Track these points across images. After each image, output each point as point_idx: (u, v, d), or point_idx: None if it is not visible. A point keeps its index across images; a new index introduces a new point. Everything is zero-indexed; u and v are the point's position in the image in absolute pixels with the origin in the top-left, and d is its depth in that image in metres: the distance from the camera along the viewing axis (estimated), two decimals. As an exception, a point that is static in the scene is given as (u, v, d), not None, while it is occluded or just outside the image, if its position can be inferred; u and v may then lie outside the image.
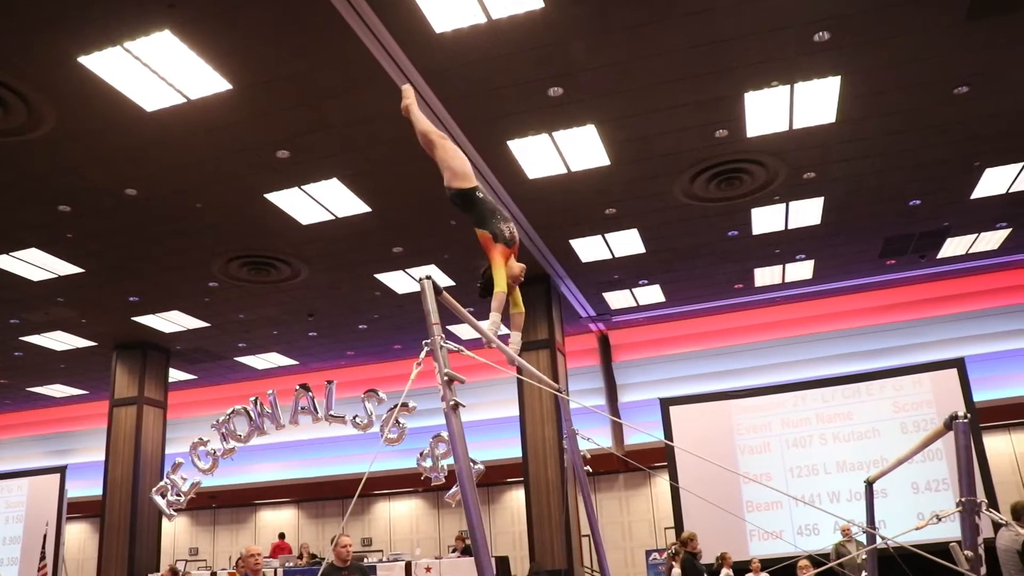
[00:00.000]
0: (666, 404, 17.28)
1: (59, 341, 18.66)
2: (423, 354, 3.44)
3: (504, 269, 4.75)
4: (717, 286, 17.57)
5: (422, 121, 5.19)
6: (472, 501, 3.12)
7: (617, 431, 20.05)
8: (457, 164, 5.00)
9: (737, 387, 18.19)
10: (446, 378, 3.24)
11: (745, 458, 16.45)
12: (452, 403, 3.21)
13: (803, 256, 16.17)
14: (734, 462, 16.37)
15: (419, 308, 12.39)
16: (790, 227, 14.58)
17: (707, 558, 13.64)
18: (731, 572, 13.90)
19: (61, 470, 21.13)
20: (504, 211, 4.98)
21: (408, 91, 5.31)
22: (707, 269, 16.47)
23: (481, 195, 4.94)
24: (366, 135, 10.87)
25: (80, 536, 25.23)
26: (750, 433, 16.65)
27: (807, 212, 14.01)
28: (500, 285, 4.68)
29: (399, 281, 15.79)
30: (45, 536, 19.17)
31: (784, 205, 13.70)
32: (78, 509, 23.45)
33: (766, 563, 13.99)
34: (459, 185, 4.94)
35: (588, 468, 5.98)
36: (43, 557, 18.70)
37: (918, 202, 13.96)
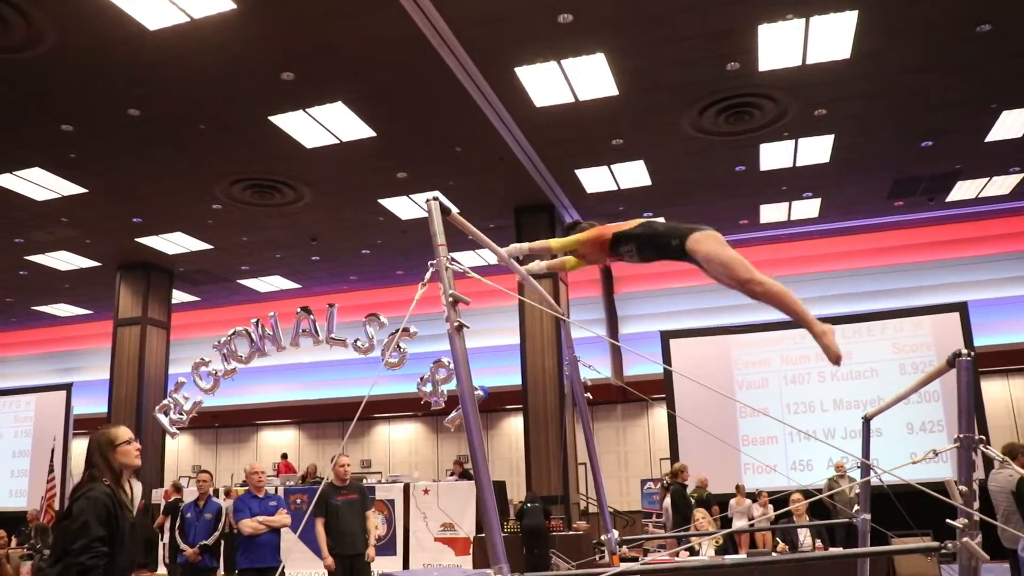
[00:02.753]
0: (666, 337, 17.35)
1: (63, 261, 18.70)
2: (428, 275, 3.42)
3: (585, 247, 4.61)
4: (722, 221, 17.47)
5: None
6: (474, 423, 3.14)
7: (617, 361, 20.14)
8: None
9: (737, 323, 18.22)
10: (451, 299, 3.23)
11: (743, 393, 16.57)
12: (456, 324, 3.20)
13: (810, 194, 16.08)
14: (732, 396, 16.50)
15: (422, 234, 12.41)
16: (798, 164, 14.47)
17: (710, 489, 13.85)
18: (746, 501, 14.04)
19: (67, 387, 21.37)
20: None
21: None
22: (713, 204, 16.38)
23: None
24: (372, 58, 10.73)
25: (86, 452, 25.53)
26: (749, 368, 16.74)
27: (816, 149, 13.90)
28: (562, 243, 4.57)
29: (403, 207, 15.73)
30: (53, 451, 19.43)
31: (793, 142, 13.58)
32: (84, 426, 23.69)
33: (754, 497, 14.21)
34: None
35: (588, 396, 6.01)
36: (51, 471, 18.97)
37: (930, 143, 13.82)
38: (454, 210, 3.56)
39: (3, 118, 12.13)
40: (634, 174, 14.65)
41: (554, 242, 4.57)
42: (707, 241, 4.32)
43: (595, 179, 14.86)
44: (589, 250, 4.74)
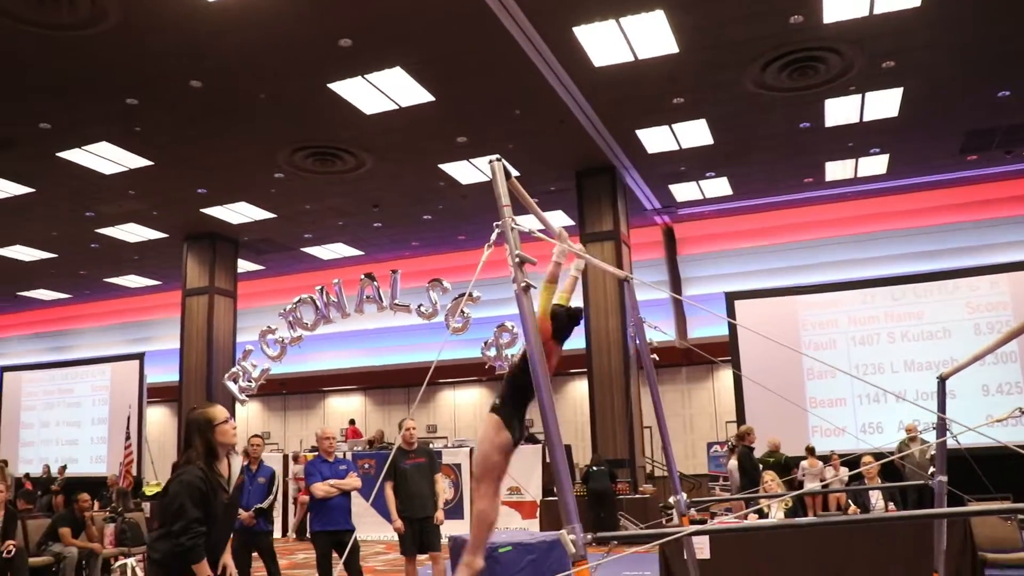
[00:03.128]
0: (731, 298, 17.09)
1: (132, 233, 19.09)
2: (494, 236, 3.39)
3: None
4: (786, 180, 17.16)
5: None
6: (544, 383, 3.11)
7: (680, 323, 20.01)
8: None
9: (804, 283, 17.90)
10: (517, 260, 3.19)
11: (811, 354, 16.29)
12: (523, 285, 3.17)
13: (878, 150, 15.66)
14: (799, 358, 16.22)
15: (483, 199, 12.43)
16: (865, 119, 14.08)
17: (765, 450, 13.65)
18: (818, 463, 13.82)
19: (140, 356, 21.92)
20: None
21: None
22: (776, 162, 16.07)
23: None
24: (429, 22, 10.67)
25: (160, 419, 26.25)
26: (816, 330, 16.43)
27: (884, 103, 13.50)
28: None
29: (463, 171, 15.71)
30: (129, 418, 19.98)
31: (860, 96, 13.20)
32: (157, 394, 24.35)
33: (826, 459, 13.98)
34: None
35: (655, 357, 5.94)
36: (128, 437, 19.52)
37: (1007, 93, 13.32)
38: (514, 173, 3.52)
39: (70, 94, 12.35)
40: (696, 133, 14.41)
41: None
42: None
43: (656, 139, 14.65)
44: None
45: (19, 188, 16.06)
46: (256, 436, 8.47)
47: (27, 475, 21.28)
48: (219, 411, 4.50)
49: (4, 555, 9.09)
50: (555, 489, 14.73)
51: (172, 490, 4.28)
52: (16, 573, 9.09)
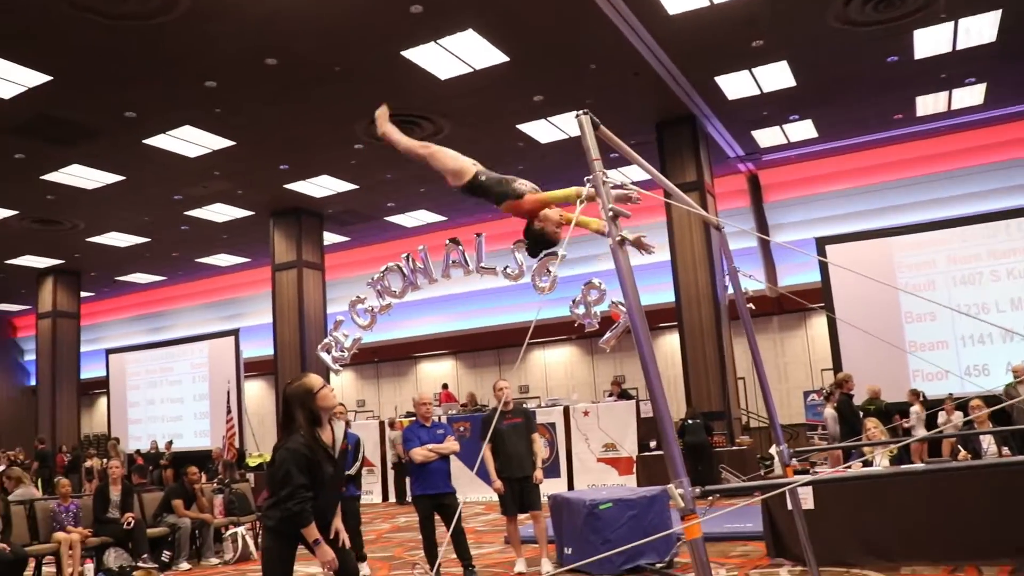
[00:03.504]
0: (822, 243, 16.60)
1: (219, 213, 19.53)
2: (585, 191, 3.32)
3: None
4: (875, 118, 16.57)
5: (402, 141, 4.75)
6: (644, 336, 3.04)
7: (770, 272, 19.63)
8: (450, 164, 4.56)
9: (898, 224, 17.32)
10: (611, 214, 3.12)
11: (909, 297, 15.77)
12: (618, 239, 3.09)
13: (973, 80, 14.97)
14: (895, 301, 15.75)
15: (563, 157, 12.24)
16: (959, 48, 13.44)
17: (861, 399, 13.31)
18: (920, 410, 13.43)
19: (235, 333, 22.47)
20: (510, 175, 4.58)
21: (380, 114, 4.85)
22: (864, 100, 15.51)
23: (484, 177, 4.54)
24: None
25: (258, 392, 26.92)
26: (913, 271, 15.86)
27: (980, 29, 12.83)
28: (547, 196, 4.44)
29: (541, 130, 15.59)
30: (228, 393, 20.53)
31: (952, 23, 12.61)
32: (253, 368, 24.96)
33: (930, 404, 13.58)
34: (462, 182, 4.57)
35: (751, 306, 5.81)
36: (229, 411, 20.07)
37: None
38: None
39: (150, 82, 12.62)
40: (777, 76, 14.01)
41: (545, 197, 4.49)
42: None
43: (736, 85, 14.30)
44: (530, 204, 4.57)
45: (110, 177, 16.55)
46: (339, 404, 8.58)
47: (137, 451, 22.08)
48: (316, 379, 4.59)
49: (124, 526, 9.45)
50: (655, 444, 14.69)
51: (278, 458, 4.39)
52: (136, 543, 9.46)
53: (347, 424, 14.61)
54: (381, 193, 18.79)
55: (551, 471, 14.34)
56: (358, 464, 8.06)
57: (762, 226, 19.76)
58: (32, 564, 9.29)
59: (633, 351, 22.30)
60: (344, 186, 18.11)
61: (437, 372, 24.75)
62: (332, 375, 13.67)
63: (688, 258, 15.91)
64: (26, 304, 28.29)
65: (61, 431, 23.91)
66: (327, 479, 4.44)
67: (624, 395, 16.43)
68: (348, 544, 4.68)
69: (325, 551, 4.36)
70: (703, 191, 15.73)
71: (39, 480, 17.40)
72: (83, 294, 25.89)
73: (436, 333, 23.68)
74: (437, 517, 7.67)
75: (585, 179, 3.25)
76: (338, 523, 4.65)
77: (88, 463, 19.01)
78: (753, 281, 5.90)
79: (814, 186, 19.40)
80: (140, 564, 9.21)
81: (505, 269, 13.07)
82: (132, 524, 9.52)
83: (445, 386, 21.84)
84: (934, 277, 15.61)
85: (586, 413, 15.26)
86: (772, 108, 15.46)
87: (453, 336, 23.65)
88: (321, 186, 18.06)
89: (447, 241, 13.80)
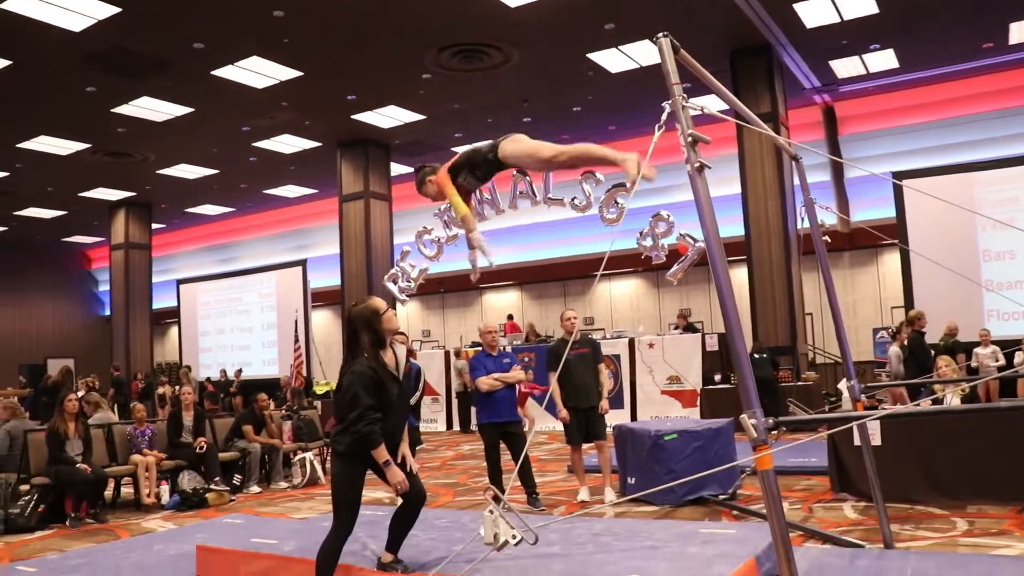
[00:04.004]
0: (899, 178, 16.12)
1: (287, 144, 19.63)
2: (664, 116, 3.24)
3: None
4: (961, 46, 15.85)
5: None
6: (721, 263, 2.99)
7: (843, 206, 19.19)
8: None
9: (980, 159, 16.70)
10: (690, 139, 3.04)
11: (988, 234, 15.27)
12: (697, 165, 3.02)
13: (1071, 2, 14.22)
14: (974, 239, 15.30)
15: (634, 87, 12.01)
16: (1058, -33, 12.77)
17: (932, 337, 12.99)
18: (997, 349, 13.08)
19: (302, 263, 22.78)
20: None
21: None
22: (950, 27, 14.84)
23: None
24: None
25: (325, 322, 27.34)
26: (993, 208, 15.26)
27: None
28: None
29: (612, 60, 15.28)
30: (296, 322, 20.90)
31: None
32: (320, 298, 25.31)
33: (1007, 343, 13.18)
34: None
35: (827, 239, 5.69)
36: (296, 340, 20.47)
37: None
38: (668, 55, 3.32)
39: (218, 12, 12.62)
40: (859, 2, 13.46)
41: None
42: (511, 144, 4.87)
43: (815, 12, 13.79)
44: (438, 190, 5.15)
45: (179, 109, 16.71)
46: (400, 334, 8.65)
47: (208, 379, 22.65)
48: (380, 301, 4.63)
49: (197, 450, 9.73)
50: (719, 378, 14.62)
51: (345, 382, 4.44)
52: (209, 467, 9.74)
53: (411, 354, 14.82)
54: (448, 123, 18.70)
55: (615, 402, 14.36)
56: (419, 394, 8.15)
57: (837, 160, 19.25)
58: (111, 485, 9.63)
59: (699, 284, 22.15)
60: (411, 116, 18.06)
61: (502, 303, 24.83)
62: (398, 305, 13.78)
63: (759, 190, 15.63)
64: (99, 236, 28.96)
65: (135, 359, 24.61)
66: (394, 400, 4.49)
67: (690, 328, 16.33)
68: (415, 468, 4.74)
69: (395, 472, 4.42)
70: (777, 123, 15.36)
71: (115, 406, 17.97)
72: (154, 226, 26.40)
73: (502, 264, 23.68)
74: (502, 445, 7.74)
75: (664, 104, 3.17)
76: (404, 448, 4.72)
77: (160, 390, 19.56)
78: (828, 213, 5.76)
79: (892, 119, 18.79)
80: (212, 486, 9.48)
81: (573, 200, 12.97)
82: (204, 448, 9.79)
83: (510, 317, 21.90)
84: (1016, 214, 15.06)
85: (651, 345, 15.23)
86: (852, 37, 14.93)
87: (519, 267, 23.64)
88: (388, 116, 18.04)
89: (515, 171, 13.75)
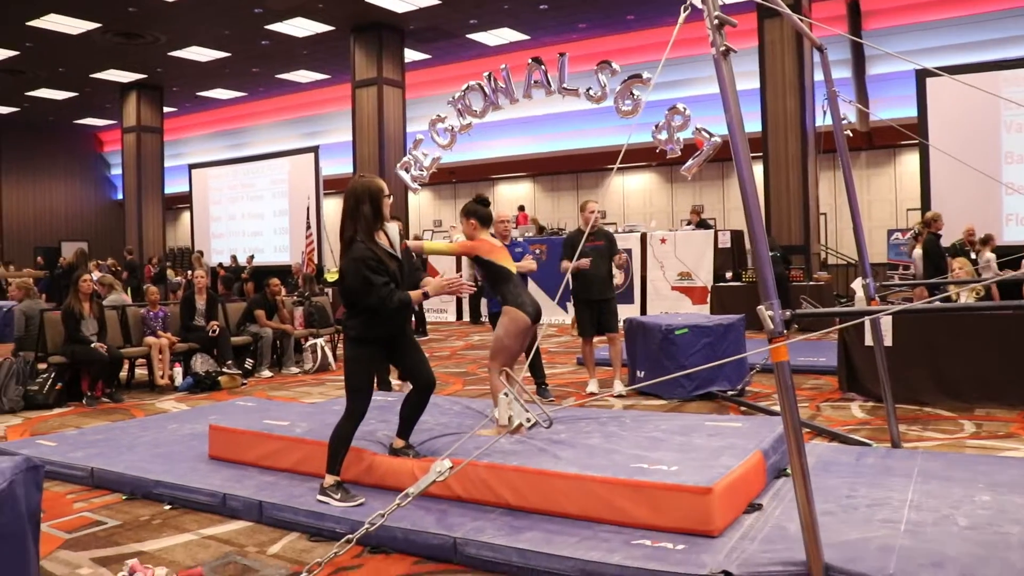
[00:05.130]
0: (922, 76, 15.70)
1: (300, 27, 19.23)
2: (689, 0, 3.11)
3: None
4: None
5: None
6: (743, 151, 2.91)
7: (864, 103, 18.82)
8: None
9: (1008, 57, 16.23)
10: (716, 22, 2.93)
11: (1011, 136, 14.97)
12: (723, 49, 2.91)
13: None
14: (996, 141, 15.00)
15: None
16: None
17: (948, 240, 12.87)
18: (993, 255, 12.92)
19: (315, 150, 22.57)
20: None
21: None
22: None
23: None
24: None
25: (337, 209, 26.94)
26: (1020, 109, 14.97)
27: None
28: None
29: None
30: (308, 209, 20.84)
31: None
32: (332, 185, 25.18)
33: (1021, 248, 13.00)
34: None
35: (848, 134, 5.56)
36: (308, 227, 20.44)
37: None
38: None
39: None
40: None
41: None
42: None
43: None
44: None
45: (190, -14, 16.34)
46: (395, 219, 8.57)
47: (220, 264, 22.72)
48: (383, 182, 4.60)
49: (210, 334, 9.81)
50: (730, 275, 14.60)
51: (349, 269, 4.39)
52: (221, 350, 9.83)
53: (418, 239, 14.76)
54: (464, 9, 18.25)
55: (624, 297, 14.37)
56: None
57: (859, 57, 18.80)
58: (125, 366, 9.75)
59: (713, 180, 21.92)
60: (426, 1, 17.62)
61: (515, 194, 24.69)
62: (410, 194, 13.70)
63: (779, 85, 15.32)
64: (111, 119, 28.73)
65: (147, 243, 24.72)
66: (396, 277, 4.45)
67: (702, 224, 16.23)
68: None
69: (438, 286, 4.64)
70: (800, 14, 14.92)
71: (128, 289, 18.09)
72: (166, 109, 26.15)
73: (515, 155, 23.44)
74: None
75: (690, -16, 3.05)
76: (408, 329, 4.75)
77: (173, 276, 19.64)
78: (850, 108, 5.62)
79: (917, 14, 18.22)
80: (225, 370, 9.59)
81: (588, 91, 12.71)
82: (217, 332, 9.87)
83: (521, 208, 21.80)
84: (1042, 115, 14.74)
85: (663, 241, 15.17)
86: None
87: (532, 159, 23.41)
88: (403, 0, 17.60)
89: (529, 60, 13.42)
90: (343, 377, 4.62)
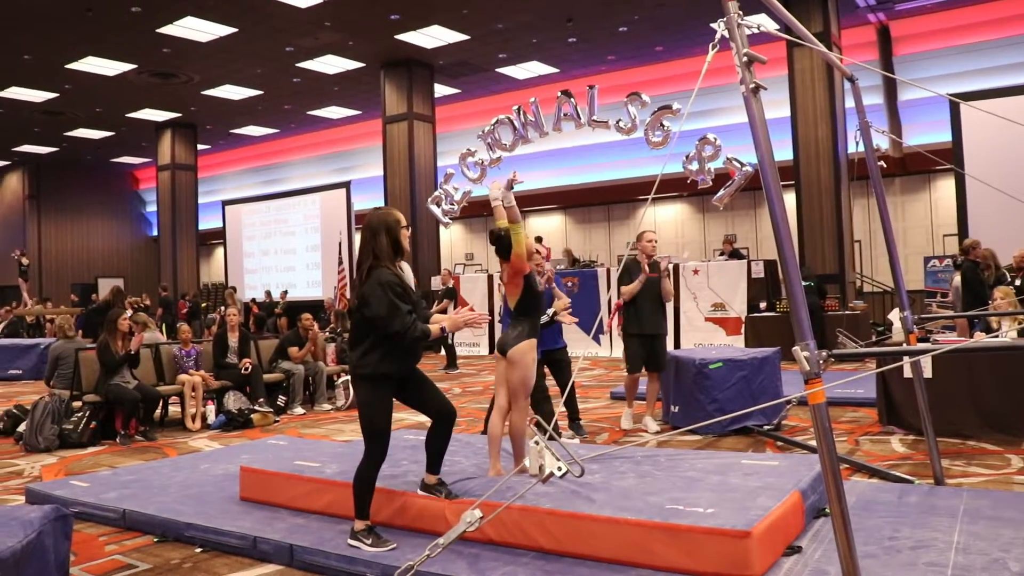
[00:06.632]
0: (956, 101, 15.58)
1: (330, 65, 19.46)
2: (718, 36, 3.07)
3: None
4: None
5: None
6: (775, 186, 2.85)
7: (896, 131, 18.67)
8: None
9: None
10: (745, 59, 2.88)
11: (1048, 159, 14.76)
12: (752, 86, 2.87)
13: None
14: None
15: (681, 7, 11.61)
16: None
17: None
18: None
19: (346, 185, 22.76)
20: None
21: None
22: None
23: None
24: None
25: (368, 245, 27.36)
26: (1055, 132, 14.73)
27: None
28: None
29: (658, -22, 14.87)
30: (340, 244, 20.96)
31: None
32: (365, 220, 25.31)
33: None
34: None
35: (882, 164, 5.48)
36: (340, 262, 20.55)
37: None
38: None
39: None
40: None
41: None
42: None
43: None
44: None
45: (224, 29, 16.60)
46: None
47: (253, 300, 22.89)
48: (401, 215, 4.51)
49: (242, 371, 9.82)
50: (764, 305, 14.44)
51: (374, 294, 4.22)
52: (254, 388, 9.83)
53: (452, 276, 14.72)
54: (492, 44, 18.38)
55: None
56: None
57: (891, 83, 18.67)
58: (159, 403, 9.79)
59: (745, 210, 21.80)
60: (455, 36, 17.76)
61: (546, 227, 24.67)
62: (442, 228, 13.71)
63: (809, 113, 15.24)
64: (146, 157, 29.16)
65: (182, 280, 24.97)
66: (417, 306, 4.36)
67: (735, 254, 16.11)
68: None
69: (454, 322, 4.49)
70: (829, 43, 14.88)
71: (163, 326, 18.23)
72: (200, 147, 26.52)
73: (546, 187, 23.47)
74: (547, 371, 7.55)
75: (719, 22, 3.00)
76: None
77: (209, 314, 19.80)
78: (883, 137, 5.54)
79: (949, 38, 18.08)
80: (257, 407, 9.58)
81: (618, 123, 12.68)
82: (249, 369, 9.88)
83: (539, 239, 21.78)
84: (1079, 139, 14.49)
85: (696, 272, 15.06)
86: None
87: (563, 191, 23.41)
88: (432, 36, 17.75)
89: (559, 93, 13.43)
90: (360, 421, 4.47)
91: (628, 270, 7.80)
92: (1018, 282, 11.46)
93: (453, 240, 25.65)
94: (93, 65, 18.71)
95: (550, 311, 7.03)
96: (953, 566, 3.59)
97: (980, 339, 7.70)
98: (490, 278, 17.53)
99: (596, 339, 14.68)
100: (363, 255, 4.41)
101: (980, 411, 6.93)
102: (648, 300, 7.71)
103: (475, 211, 23.08)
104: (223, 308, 14.67)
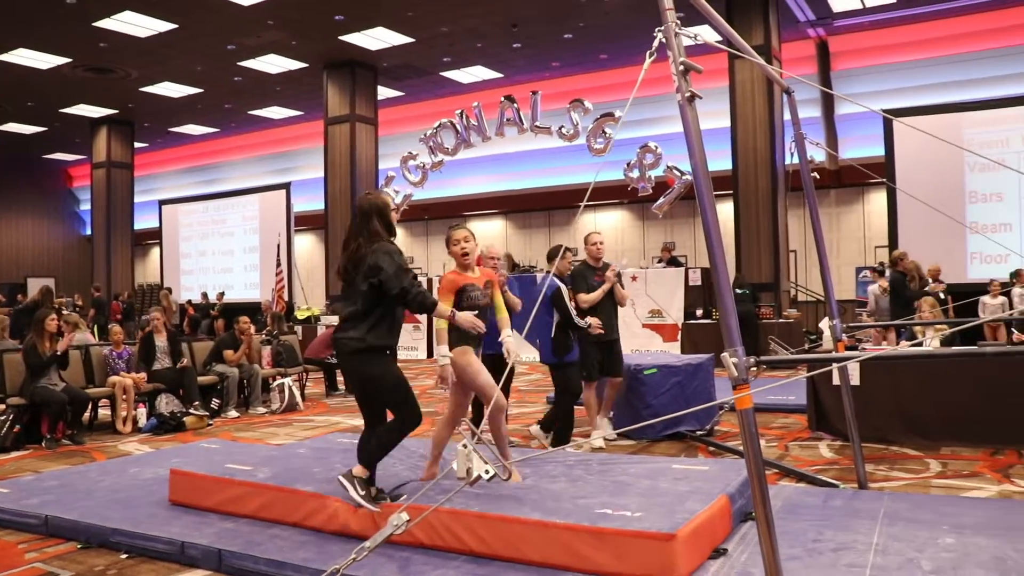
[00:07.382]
0: (889, 117, 15.92)
1: (273, 64, 19.27)
2: (656, 44, 3.10)
3: None
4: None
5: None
6: (708, 195, 2.90)
7: (831, 144, 19.05)
8: None
9: (971, 99, 16.50)
10: (682, 68, 2.92)
11: (974, 176, 15.19)
12: (688, 95, 2.91)
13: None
14: (960, 181, 15.22)
15: (626, 17, 11.73)
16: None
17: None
18: (941, 285, 12.94)
19: (286, 186, 22.54)
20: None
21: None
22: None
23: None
24: None
25: (308, 246, 27.18)
26: (983, 150, 15.16)
27: None
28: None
29: (604, -14, 14.98)
30: (279, 246, 20.74)
31: None
32: (304, 222, 25.12)
33: (982, 286, 13.13)
34: None
35: (815, 175, 5.59)
36: (279, 264, 20.33)
37: None
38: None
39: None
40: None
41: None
42: None
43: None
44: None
45: (163, 25, 16.34)
46: None
47: (189, 301, 22.53)
48: (388, 198, 4.62)
49: (179, 367, 9.68)
50: (701, 312, 14.62)
51: (382, 259, 4.28)
52: (187, 390, 9.67)
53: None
54: (437, 47, 18.35)
55: (596, 336, 14.32)
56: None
57: (828, 97, 19.05)
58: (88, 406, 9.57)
59: (685, 218, 22.00)
60: (400, 39, 17.70)
61: (487, 231, 24.68)
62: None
63: (749, 124, 15.48)
64: (81, 154, 28.56)
65: (116, 280, 24.49)
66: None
67: (673, 262, 16.29)
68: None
69: (464, 319, 4.53)
70: (769, 56, 15.14)
71: (95, 327, 17.85)
72: (137, 145, 26.04)
73: (487, 192, 23.49)
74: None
75: (656, 31, 3.04)
76: None
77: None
78: (818, 149, 5.66)
79: (885, 56, 18.51)
80: (190, 410, 9.43)
81: (560, 129, 12.75)
82: (186, 363, 9.75)
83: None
84: (1005, 156, 14.96)
85: (634, 278, 15.19)
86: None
87: (504, 196, 23.46)
88: (376, 38, 17.67)
89: (502, 99, 13.46)
90: (367, 403, 4.53)
91: (582, 276, 7.61)
92: (941, 294, 11.79)
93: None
94: (24, 57, 18.23)
95: (585, 321, 7.11)
96: (871, 567, 3.68)
97: (904, 347, 7.90)
98: (429, 282, 17.47)
99: (534, 343, 14.68)
100: (352, 236, 4.49)
101: (904, 417, 7.11)
102: (603, 305, 7.52)
103: (416, 214, 23.07)
104: (148, 309, 14.43)
